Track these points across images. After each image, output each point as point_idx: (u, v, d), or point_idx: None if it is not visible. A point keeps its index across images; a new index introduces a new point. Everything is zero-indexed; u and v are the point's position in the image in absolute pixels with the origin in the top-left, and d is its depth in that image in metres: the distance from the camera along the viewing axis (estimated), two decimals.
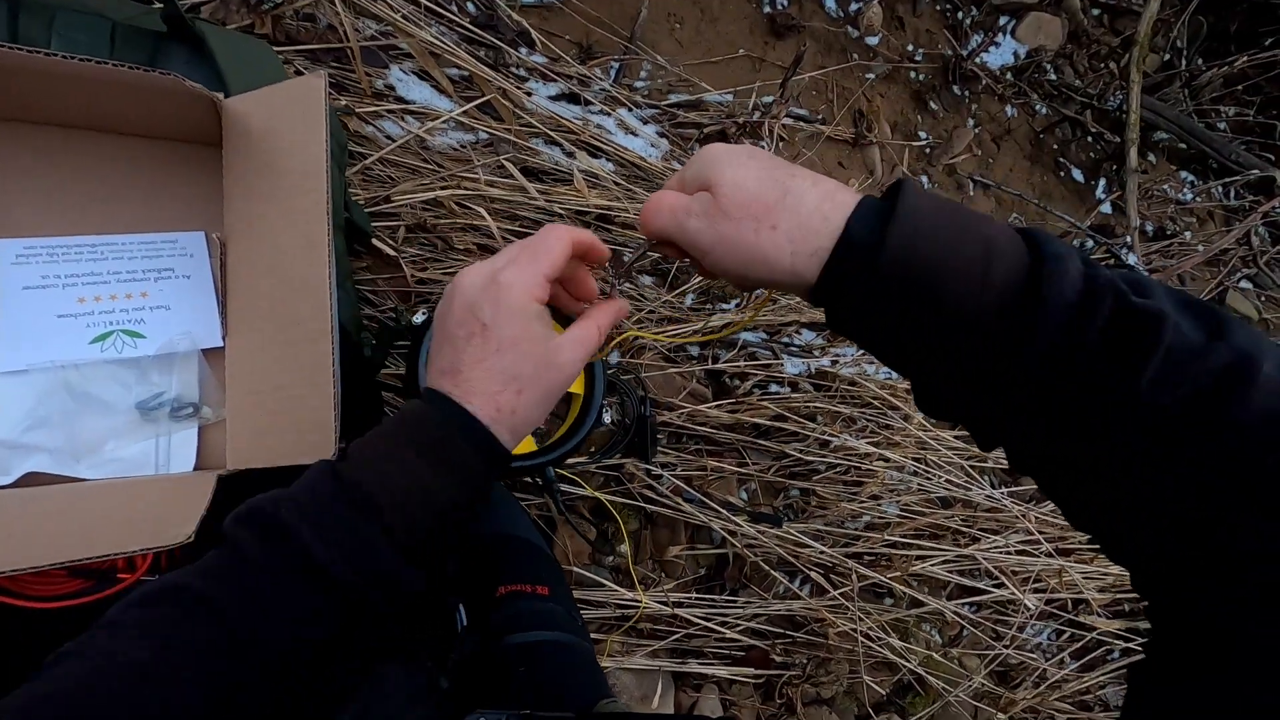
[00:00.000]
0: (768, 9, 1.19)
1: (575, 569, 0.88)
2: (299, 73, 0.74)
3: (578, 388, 0.68)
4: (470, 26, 0.88)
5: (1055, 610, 1.26)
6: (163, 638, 0.25)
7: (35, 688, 0.24)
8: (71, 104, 0.49)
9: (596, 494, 0.87)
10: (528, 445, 0.65)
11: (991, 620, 1.19)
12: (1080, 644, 1.24)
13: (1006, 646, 1.17)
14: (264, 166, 0.49)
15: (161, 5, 0.53)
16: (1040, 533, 1.15)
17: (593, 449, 0.91)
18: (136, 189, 0.53)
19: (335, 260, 0.47)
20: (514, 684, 0.53)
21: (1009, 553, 1.13)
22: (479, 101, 0.85)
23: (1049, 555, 1.14)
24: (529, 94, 0.90)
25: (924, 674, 1.07)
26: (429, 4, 0.86)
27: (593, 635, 0.89)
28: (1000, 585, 1.13)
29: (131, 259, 0.53)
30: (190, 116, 0.51)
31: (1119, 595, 1.26)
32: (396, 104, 0.80)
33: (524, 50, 0.93)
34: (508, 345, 0.31)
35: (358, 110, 0.75)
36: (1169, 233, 1.58)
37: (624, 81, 1.02)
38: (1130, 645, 1.27)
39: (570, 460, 0.90)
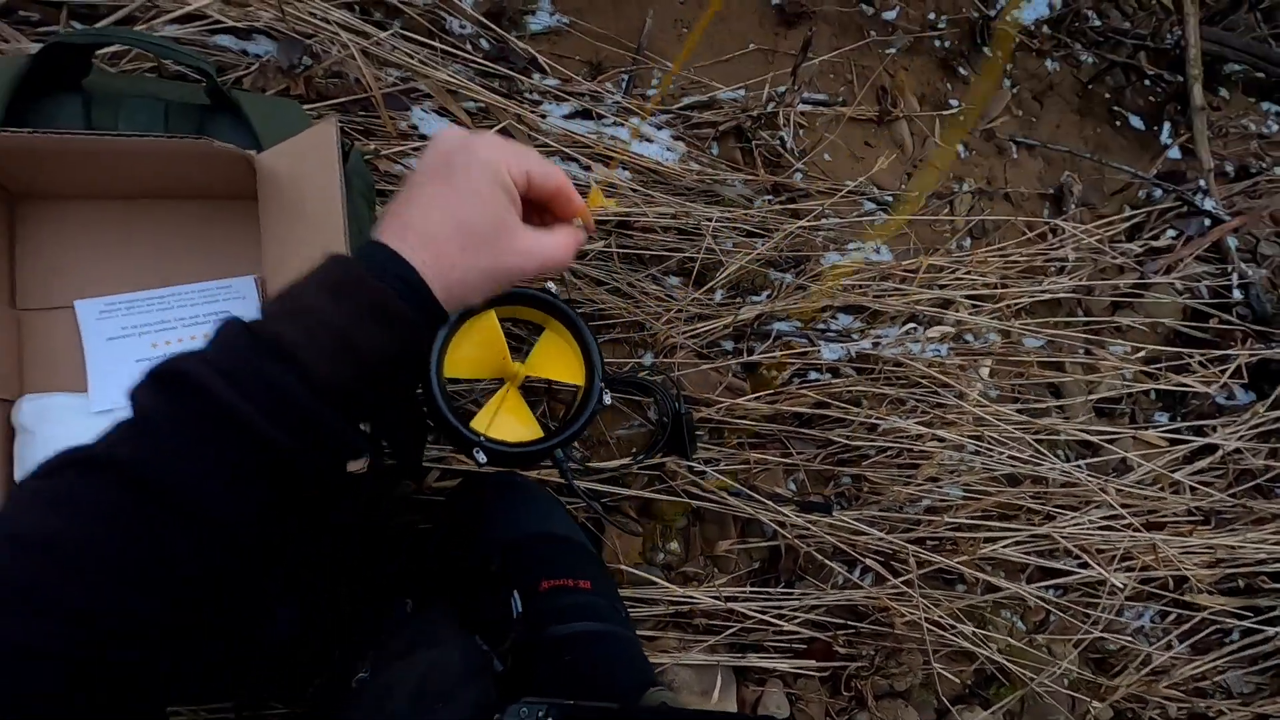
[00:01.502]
0: (775, 1, 1.19)
1: (626, 568, 0.90)
2: None
3: (578, 378, 0.70)
4: (484, 61, 0.94)
5: (1155, 590, 1.16)
6: (69, 505, 0.22)
7: None
8: (135, 177, 0.57)
9: (641, 493, 0.89)
10: (535, 433, 0.69)
11: (1080, 603, 1.11)
12: (1188, 625, 1.14)
13: (1101, 631, 1.09)
14: (291, 209, 0.55)
15: (205, 84, 0.60)
16: (1124, 506, 1.07)
17: (635, 451, 0.94)
18: (193, 244, 0.60)
19: None
20: (559, 673, 0.55)
21: (1091, 529, 1.06)
22: (496, 129, 0.90)
23: (1137, 530, 1.06)
24: (543, 116, 0.95)
25: (1005, 663, 1.02)
26: (444, 47, 0.92)
27: (648, 632, 0.90)
28: (1085, 565, 1.06)
29: (193, 305, 0.60)
30: (232, 175, 0.57)
31: (1231, 570, 1.15)
32: (420, 141, 0.86)
33: (536, 76, 0.98)
34: (468, 194, 0.29)
35: (385, 152, 0.82)
36: (1253, 171, 1.44)
37: (635, 92, 1.05)
38: (1251, 624, 1.15)
39: (613, 463, 0.93)
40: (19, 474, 0.52)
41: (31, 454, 0.53)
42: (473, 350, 0.68)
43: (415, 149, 0.86)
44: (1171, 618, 1.16)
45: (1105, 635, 1.10)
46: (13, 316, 0.56)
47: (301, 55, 0.79)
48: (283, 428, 0.24)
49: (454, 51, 0.92)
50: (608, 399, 0.68)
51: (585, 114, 0.98)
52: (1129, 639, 1.12)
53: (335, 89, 0.83)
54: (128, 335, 0.58)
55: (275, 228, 0.57)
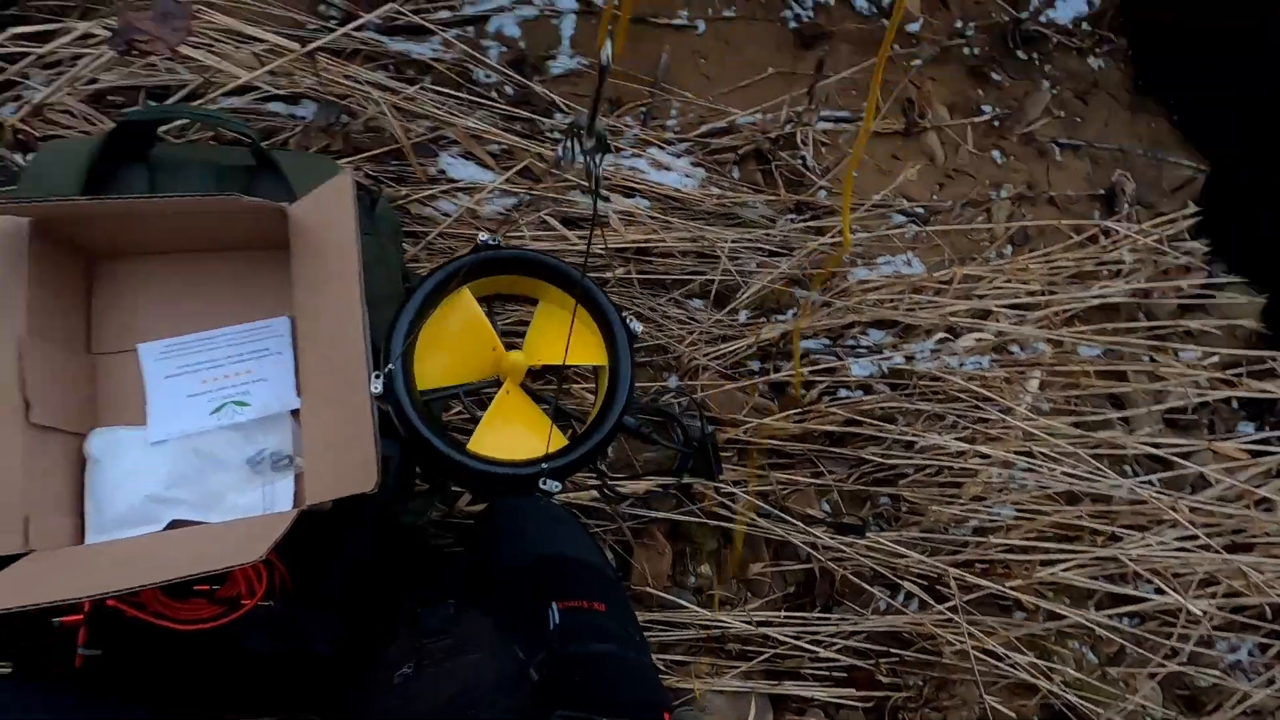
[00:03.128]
0: (793, 24, 1.21)
1: (655, 591, 0.90)
2: (366, 175, 0.88)
3: (596, 355, 0.53)
4: (507, 107, 1.00)
5: (1249, 620, 1.05)
6: None
7: None
8: (188, 233, 0.64)
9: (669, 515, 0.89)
10: (558, 441, 0.54)
11: (1159, 633, 1.01)
12: None
13: (1187, 664, 0.99)
14: (315, 254, 0.61)
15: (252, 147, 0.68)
16: (1203, 525, 0.98)
17: (660, 472, 0.94)
18: (238, 290, 0.67)
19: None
20: (572, 693, 0.56)
21: (1164, 551, 0.98)
22: (517, 168, 0.95)
23: (1218, 552, 0.96)
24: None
25: (1074, 699, 0.94)
26: (471, 96, 0.99)
27: (679, 657, 0.89)
28: (1160, 591, 0.98)
29: (237, 345, 0.66)
30: (270, 226, 0.63)
31: None
32: (448, 184, 0.92)
33: (557, 116, 1.03)
34: None
35: (415, 196, 0.88)
36: None
37: (654, 124, 1.09)
38: None
39: (640, 485, 0.94)
40: (89, 496, 0.59)
41: (100, 479, 0.59)
42: (450, 345, 0.50)
43: (443, 191, 0.92)
44: (1273, 651, 1.04)
45: (1193, 669, 1.00)
46: (88, 361, 0.64)
47: (339, 115, 0.87)
48: None
49: (479, 99, 0.98)
50: (630, 420, 0.55)
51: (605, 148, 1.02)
52: (1221, 674, 1.01)
53: (370, 142, 0.91)
54: (182, 373, 0.65)
55: (304, 271, 0.62)
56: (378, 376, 0.46)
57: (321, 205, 0.61)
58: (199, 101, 0.83)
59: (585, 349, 0.55)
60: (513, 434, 0.52)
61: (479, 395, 0.60)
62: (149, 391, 0.64)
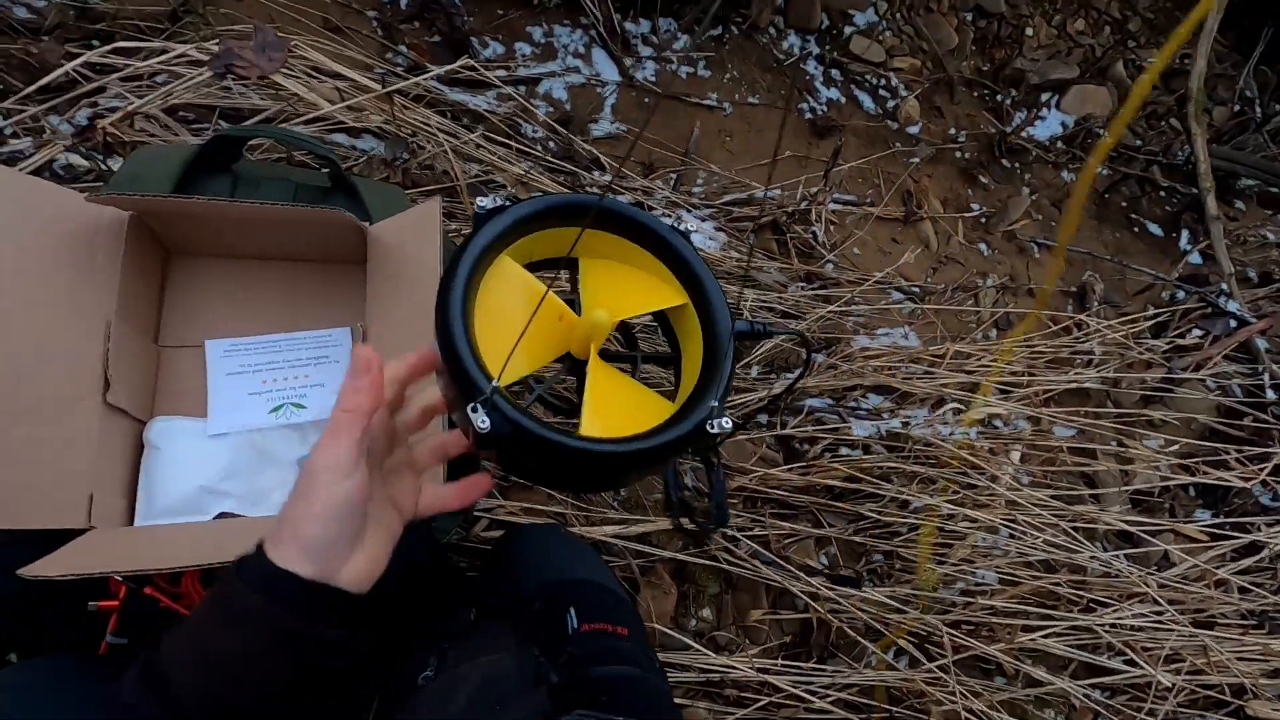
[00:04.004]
0: (808, 115, 1.34)
1: (659, 628, 0.91)
2: None
3: (673, 296, 0.41)
4: (552, 159, 1.08)
5: (1216, 696, 1.10)
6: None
7: None
8: (265, 241, 0.68)
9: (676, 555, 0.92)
10: (664, 412, 0.40)
11: (1130, 706, 1.06)
12: None
13: None
14: (394, 272, 0.65)
15: (328, 170, 0.73)
16: (1171, 602, 1.05)
17: (668, 514, 0.97)
18: (305, 299, 0.71)
19: None
20: (592, 706, 0.57)
21: (1135, 623, 1.03)
22: None
23: (1184, 627, 1.03)
24: None
25: None
26: (519, 147, 1.07)
27: (679, 699, 0.90)
28: (1131, 663, 1.03)
29: (298, 350, 0.69)
30: (346, 241, 0.68)
31: None
32: None
33: (596, 173, 1.11)
34: (305, 486, 0.32)
35: (464, 231, 0.94)
36: (1276, 277, 1.49)
37: (682, 189, 1.18)
38: None
39: (649, 527, 0.96)
40: (143, 481, 0.60)
41: (157, 466, 0.61)
42: (511, 325, 0.37)
43: None
44: None
45: None
46: (154, 350, 0.66)
47: (403, 151, 0.93)
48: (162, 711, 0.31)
49: (527, 150, 1.06)
50: (744, 324, 0.41)
51: (638, 205, 1.10)
52: None
53: (426, 178, 0.97)
54: (244, 372, 0.67)
55: (379, 286, 0.67)
56: (475, 410, 0.33)
57: (405, 229, 0.67)
58: (275, 125, 0.88)
59: (658, 292, 0.42)
60: (619, 407, 0.40)
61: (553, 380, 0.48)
62: (211, 386, 0.66)
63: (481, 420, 0.33)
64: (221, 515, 0.61)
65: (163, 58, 0.82)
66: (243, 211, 0.63)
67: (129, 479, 0.60)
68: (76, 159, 0.82)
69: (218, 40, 0.80)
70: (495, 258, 0.39)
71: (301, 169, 0.86)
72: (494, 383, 0.34)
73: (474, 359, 0.35)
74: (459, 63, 1.00)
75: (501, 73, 1.13)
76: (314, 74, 0.93)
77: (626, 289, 0.41)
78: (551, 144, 1.12)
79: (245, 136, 0.74)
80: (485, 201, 0.38)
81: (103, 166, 0.75)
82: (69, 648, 0.55)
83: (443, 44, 1.11)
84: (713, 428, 0.37)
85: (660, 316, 0.43)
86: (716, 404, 0.36)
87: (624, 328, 0.50)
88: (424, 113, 0.93)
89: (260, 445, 0.64)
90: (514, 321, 0.37)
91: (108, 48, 0.82)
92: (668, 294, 0.42)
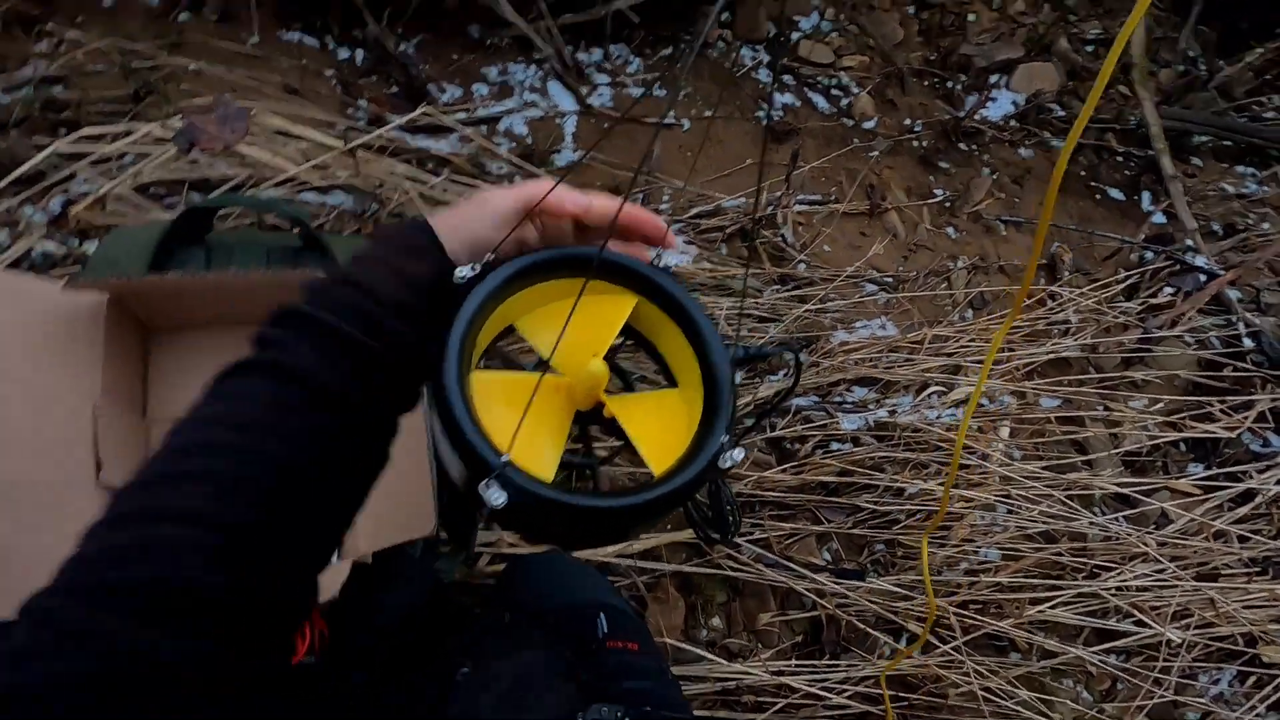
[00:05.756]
0: (765, 122, 1.37)
1: (671, 642, 0.92)
2: None
3: (627, 298, 0.39)
4: None
5: (1227, 647, 1.11)
6: (231, 395, 0.30)
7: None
8: (243, 307, 0.70)
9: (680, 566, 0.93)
10: (683, 405, 0.39)
11: (1146, 668, 1.07)
12: (1271, 686, 1.07)
13: (1174, 695, 1.04)
14: None
15: (299, 229, 0.75)
16: (1173, 559, 1.06)
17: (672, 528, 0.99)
18: None
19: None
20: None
21: (1140, 584, 1.05)
22: None
23: (1189, 582, 1.04)
24: None
25: None
26: (486, 184, 1.09)
27: (698, 711, 0.91)
28: (1141, 624, 1.04)
29: None
30: None
31: None
32: None
33: None
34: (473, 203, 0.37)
35: None
36: (1240, 228, 1.52)
37: (649, 207, 1.20)
38: None
39: (653, 542, 0.97)
40: None
41: None
42: (510, 401, 0.36)
43: None
44: (1252, 680, 1.10)
45: (1181, 700, 1.05)
46: (143, 426, 0.67)
47: (371, 202, 0.96)
48: (366, 333, 0.32)
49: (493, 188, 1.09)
50: (742, 350, 0.40)
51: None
52: (1209, 704, 1.06)
53: None
54: None
55: None
56: (488, 485, 0.32)
57: None
58: (244, 192, 0.91)
59: (610, 305, 0.41)
60: (659, 429, 0.39)
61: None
62: None
63: (495, 495, 0.32)
64: None
65: (129, 139, 0.84)
66: (217, 282, 0.65)
67: None
68: (52, 246, 0.84)
69: (180, 115, 0.82)
70: (480, 328, 0.37)
71: (273, 232, 0.88)
72: (504, 456, 0.33)
73: (479, 434, 0.33)
74: (419, 110, 1.03)
75: (461, 115, 1.16)
76: (279, 135, 0.95)
77: (580, 322, 0.37)
78: (517, 178, 1.15)
79: (214, 208, 0.76)
80: (464, 271, 0.37)
81: (79, 250, 0.77)
82: None
83: (401, 94, 1.14)
84: (725, 461, 0.36)
85: (627, 329, 0.41)
86: (727, 439, 0.36)
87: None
88: (388, 163, 0.95)
89: None
90: (515, 415, 0.35)
91: (75, 135, 0.85)
92: (619, 302, 0.39)
